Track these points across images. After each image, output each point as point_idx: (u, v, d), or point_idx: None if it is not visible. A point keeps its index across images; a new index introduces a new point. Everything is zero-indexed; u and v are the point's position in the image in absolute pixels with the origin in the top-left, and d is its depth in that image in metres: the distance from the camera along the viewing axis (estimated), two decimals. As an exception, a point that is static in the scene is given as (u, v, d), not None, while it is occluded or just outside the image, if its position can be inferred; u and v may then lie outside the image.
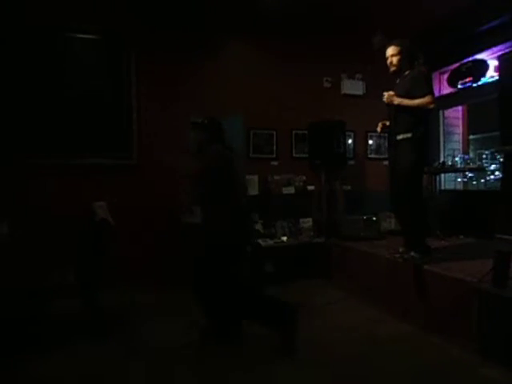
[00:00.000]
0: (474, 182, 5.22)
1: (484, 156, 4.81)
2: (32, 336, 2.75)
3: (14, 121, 3.65)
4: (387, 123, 3.21)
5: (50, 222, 3.52)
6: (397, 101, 2.98)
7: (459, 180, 5.28)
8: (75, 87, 3.88)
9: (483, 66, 4.56)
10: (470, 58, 4.67)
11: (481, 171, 4.88)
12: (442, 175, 5.04)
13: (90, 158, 3.88)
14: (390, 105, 3.06)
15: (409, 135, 2.97)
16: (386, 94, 3.04)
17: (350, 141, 4.97)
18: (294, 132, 4.76)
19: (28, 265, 3.16)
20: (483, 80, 4.57)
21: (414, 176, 3.01)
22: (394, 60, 3.08)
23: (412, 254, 3.00)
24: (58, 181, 3.72)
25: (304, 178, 4.66)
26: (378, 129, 3.29)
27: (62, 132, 3.81)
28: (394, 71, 3.12)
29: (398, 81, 3.14)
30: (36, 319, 2.86)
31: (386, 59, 3.14)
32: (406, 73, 3.07)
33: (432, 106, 2.93)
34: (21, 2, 3.69)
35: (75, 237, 3.06)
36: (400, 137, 3.03)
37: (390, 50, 3.10)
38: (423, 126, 2.99)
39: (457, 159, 4.45)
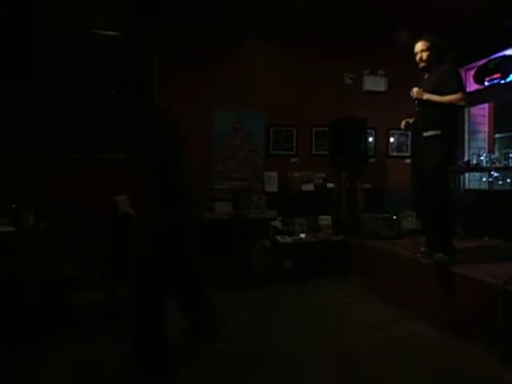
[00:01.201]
0: (500, 182, 5.07)
1: (510, 155, 4.66)
2: (52, 326, 2.80)
3: (40, 117, 3.77)
4: (410, 121, 3.14)
5: (75, 215, 3.61)
6: (426, 96, 2.90)
7: (484, 180, 5.13)
8: (98, 85, 3.97)
9: (512, 62, 4.42)
10: (499, 54, 4.53)
11: (507, 171, 4.74)
12: (467, 174, 4.92)
13: (113, 154, 3.96)
14: (419, 100, 2.97)
15: (438, 132, 2.88)
16: (415, 90, 2.97)
17: (370, 138, 4.90)
18: (314, 129, 4.73)
19: (52, 256, 3.26)
20: (512, 77, 4.43)
21: (441, 174, 2.92)
22: (424, 56, 2.99)
23: (440, 255, 2.88)
24: (83, 175, 3.81)
25: (323, 175, 4.63)
26: (402, 126, 3.21)
27: (87, 128, 3.91)
28: (423, 67, 3.03)
29: (426, 76, 3.05)
30: (58, 310, 2.92)
31: (415, 55, 3.04)
32: (436, 69, 2.97)
33: (463, 103, 2.85)
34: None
35: (98, 230, 3.12)
36: (428, 134, 2.93)
37: (420, 46, 3.01)
38: (453, 122, 2.91)
39: (482, 158, 4.34)
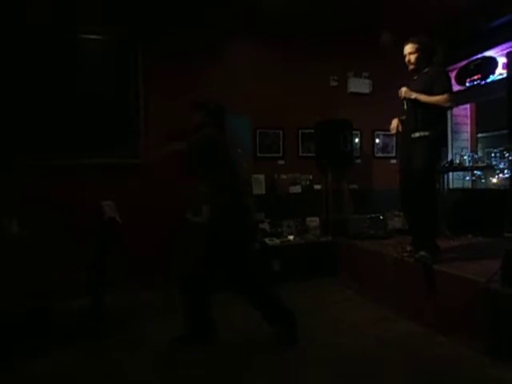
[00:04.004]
0: (483, 181, 5.17)
1: (492, 154, 4.76)
2: (37, 334, 2.77)
3: (23, 122, 3.70)
4: (402, 118, 3.11)
5: (59, 220, 3.56)
6: (414, 95, 2.91)
7: (467, 179, 5.23)
8: (83, 88, 3.92)
9: (492, 63, 4.51)
10: (479, 55, 4.62)
11: (489, 170, 4.84)
12: (450, 174, 5.00)
13: (98, 158, 3.91)
14: (407, 101, 2.99)
15: (426, 133, 2.89)
16: (403, 89, 2.98)
17: (356, 140, 4.95)
18: (300, 131, 4.75)
19: (37, 263, 3.20)
20: (492, 77, 4.52)
21: (428, 175, 2.94)
22: (412, 58, 2.99)
23: (422, 253, 2.92)
24: (67, 180, 3.76)
25: (310, 177, 4.65)
26: (393, 126, 3.16)
27: (70, 132, 3.85)
28: (412, 69, 3.04)
29: (415, 77, 3.07)
30: (42, 317, 2.89)
31: (404, 57, 3.04)
32: (425, 70, 2.99)
33: (449, 104, 2.88)
34: (29, 3, 3.72)
35: (83, 236, 3.08)
36: (417, 135, 2.94)
37: (408, 48, 3.01)
38: (441, 124, 2.93)
39: (465, 157, 4.41)
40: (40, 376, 2.28)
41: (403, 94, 2.98)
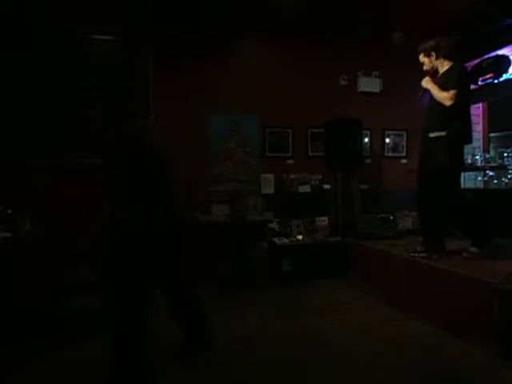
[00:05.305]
0: (495, 181, 5.10)
1: (505, 154, 4.69)
2: (49, 332, 2.80)
3: (37, 123, 3.75)
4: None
5: (70, 220, 3.59)
6: (429, 85, 2.91)
7: (479, 179, 5.16)
8: (92, 88, 3.94)
9: (505, 61, 4.44)
10: (492, 54, 4.56)
11: (502, 170, 4.76)
12: (462, 174, 4.92)
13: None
14: (423, 94, 3.01)
15: (442, 134, 2.85)
16: (424, 79, 3.00)
17: (366, 139, 4.91)
18: (309, 130, 4.73)
19: (48, 261, 3.24)
20: (505, 76, 4.46)
21: (447, 178, 2.89)
22: (426, 66, 3.06)
23: (435, 256, 2.93)
24: (79, 180, 3.78)
25: (320, 176, 4.63)
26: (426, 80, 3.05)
27: (81, 132, 3.88)
28: (430, 74, 3.05)
29: (439, 74, 3.07)
30: (53, 315, 2.92)
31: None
32: (447, 67, 2.99)
33: (449, 102, 2.79)
34: (42, 3, 3.76)
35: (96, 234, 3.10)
36: (432, 135, 2.90)
37: (420, 58, 3.08)
38: (459, 123, 2.84)
39: (477, 157, 4.36)
40: (52, 375, 2.30)
41: (423, 83, 2.98)
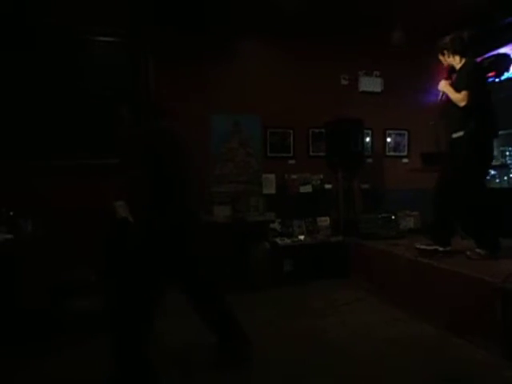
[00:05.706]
0: (497, 180, 5.07)
1: (507, 153, 4.67)
2: (50, 332, 2.80)
3: (39, 124, 3.76)
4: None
5: (72, 221, 3.60)
6: (445, 88, 2.93)
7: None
8: (96, 90, 3.96)
9: (507, 60, 4.44)
10: (493, 52, 4.54)
11: (504, 168, 4.75)
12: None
13: (111, 159, 3.94)
14: (442, 96, 3.03)
15: (460, 134, 2.87)
16: (441, 82, 3.00)
17: (367, 139, 4.90)
18: (310, 130, 4.73)
19: (50, 263, 3.24)
20: (507, 75, 4.44)
21: (469, 177, 2.89)
22: (445, 64, 3.07)
23: (441, 249, 3.00)
24: (80, 181, 3.80)
25: (321, 176, 4.63)
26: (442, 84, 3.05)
27: (83, 133, 3.90)
28: (446, 75, 3.07)
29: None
30: (54, 316, 2.92)
31: None
32: (460, 64, 2.99)
33: (463, 103, 2.80)
34: (42, 3, 3.77)
35: (97, 236, 3.11)
36: (455, 135, 2.94)
37: (439, 56, 3.10)
38: (473, 121, 2.83)
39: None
40: (53, 375, 2.30)
41: (440, 87, 3.00)
